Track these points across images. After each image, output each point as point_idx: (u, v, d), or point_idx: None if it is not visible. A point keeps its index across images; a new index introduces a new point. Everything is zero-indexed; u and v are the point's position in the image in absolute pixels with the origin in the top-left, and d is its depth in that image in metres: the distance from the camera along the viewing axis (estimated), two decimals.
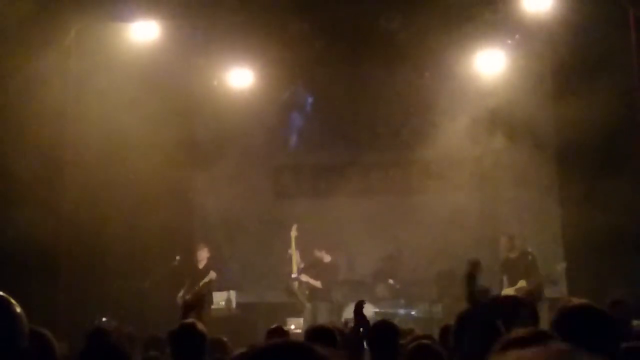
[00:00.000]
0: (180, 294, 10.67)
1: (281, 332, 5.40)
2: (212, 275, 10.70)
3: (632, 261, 9.96)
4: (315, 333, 4.50)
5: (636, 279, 9.73)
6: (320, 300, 10.91)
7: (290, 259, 10.99)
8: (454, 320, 3.44)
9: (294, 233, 11.04)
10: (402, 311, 10.40)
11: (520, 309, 3.61)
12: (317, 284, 10.89)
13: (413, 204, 12.33)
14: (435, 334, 7.79)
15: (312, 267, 11.09)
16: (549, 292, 10.70)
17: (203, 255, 10.76)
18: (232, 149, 12.87)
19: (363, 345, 4.62)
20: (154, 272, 10.74)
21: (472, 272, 2.35)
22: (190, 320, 4.51)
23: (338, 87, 12.59)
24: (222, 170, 12.86)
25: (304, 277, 10.95)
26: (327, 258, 11.11)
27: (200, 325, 4.30)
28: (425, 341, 3.88)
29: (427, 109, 12.46)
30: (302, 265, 11.06)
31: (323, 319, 10.51)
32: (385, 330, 4.54)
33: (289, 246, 11.04)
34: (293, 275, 10.90)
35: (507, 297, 5.49)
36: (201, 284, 10.59)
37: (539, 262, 10.55)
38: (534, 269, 10.32)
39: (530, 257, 10.48)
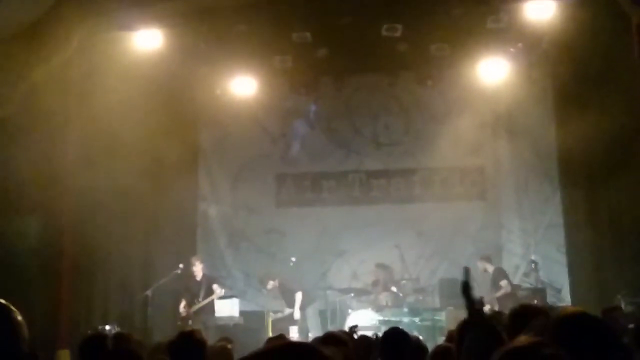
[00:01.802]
0: (182, 305, 10.72)
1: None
2: (219, 293, 10.83)
3: (636, 269, 9.92)
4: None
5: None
6: (303, 308, 10.96)
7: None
8: (456, 328, 3.44)
9: (268, 320, 10.91)
10: (405, 319, 10.38)
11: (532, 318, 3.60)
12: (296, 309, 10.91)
13: (415, 213, 12.32)
14: (439, 341, 7.82)
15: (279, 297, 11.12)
16: (553, 301, 10.72)
17: (198, 268, 10.91)
18: (235, 157, 12.90)
19: (372, 352, 4.63)
20: (157, 280, 10.75)
21: (466, 279, 2.37)
22: (189, 329, 4.52)
23: (341, 95, 12.61)
24: (225, 178, 12.89)
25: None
26: (274, 284, 11.08)
27: (198, 334, 4.31)
28: None
29: (430, 117, 12.49)
30: (298, 317, 10.96)
31: (316, 325, 10.46)
32: (396, 337, 4.56)
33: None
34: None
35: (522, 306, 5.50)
36: (207, 300, 10.72)
37: (509, 275, 10.72)
38: (498, 283, 10.48)
39: (498, 272, 10.69)
